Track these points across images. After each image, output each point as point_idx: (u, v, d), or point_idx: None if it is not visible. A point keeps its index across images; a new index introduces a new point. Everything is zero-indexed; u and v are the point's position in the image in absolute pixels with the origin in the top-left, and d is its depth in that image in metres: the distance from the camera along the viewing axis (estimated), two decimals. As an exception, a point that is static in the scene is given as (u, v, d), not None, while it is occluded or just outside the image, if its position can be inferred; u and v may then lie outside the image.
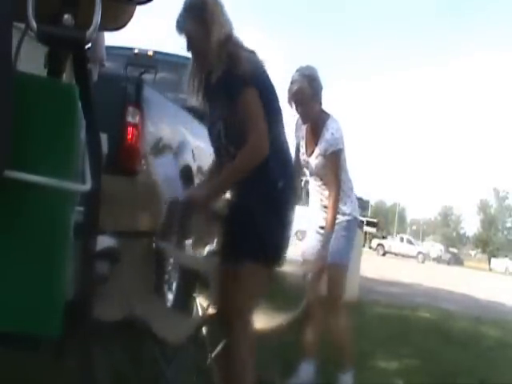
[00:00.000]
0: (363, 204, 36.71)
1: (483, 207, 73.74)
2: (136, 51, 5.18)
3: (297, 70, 2.96)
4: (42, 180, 0.94)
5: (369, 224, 38.29)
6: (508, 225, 71.55)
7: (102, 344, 2.01)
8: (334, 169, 2.94)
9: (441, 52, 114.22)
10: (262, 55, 2.16)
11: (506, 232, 69.39)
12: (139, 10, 1.26)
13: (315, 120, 3.02)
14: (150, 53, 5.14)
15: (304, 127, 3.08)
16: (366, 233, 36.58)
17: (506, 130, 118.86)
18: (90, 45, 1.31)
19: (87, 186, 1.05)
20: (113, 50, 4.19)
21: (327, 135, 2.95)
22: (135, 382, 2.50)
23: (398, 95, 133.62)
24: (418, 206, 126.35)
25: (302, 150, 3.07)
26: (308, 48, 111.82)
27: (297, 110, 2.98)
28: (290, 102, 2.95)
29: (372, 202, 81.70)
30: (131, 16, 1.30)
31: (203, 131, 4.95)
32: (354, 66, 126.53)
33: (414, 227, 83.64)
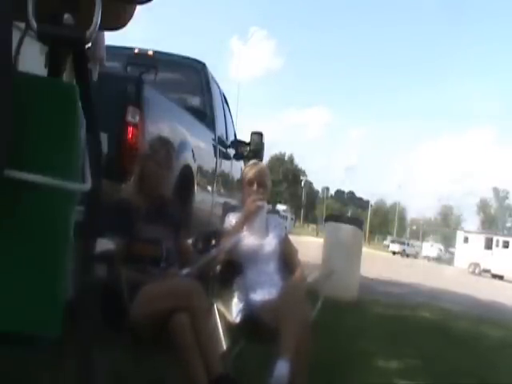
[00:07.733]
0: (363, 204, 35.30)
1: (483, 207, 73.75)
2: (136, 51, 5.17)
3: (253, 163, 3.00)
4: (43, 179, 0.94)
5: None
6: (508, 225, 71.60)
7: (102, 344, 2.00)
8: (293, 248, 3.00)
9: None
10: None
11: (506, 232, 69.34)
12: (139, 10, 1.26)
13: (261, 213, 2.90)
14: (150, 53, 5.14)
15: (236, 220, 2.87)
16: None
17: (507, 130, 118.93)
18: (90, 44, 1.31)
19: (87, 185, 1.05)
20: (113, 50, 4.18)
21: (274, 223, 2.96)
22: (135, 382, 2.50)
23: (396, 92, 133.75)
24: (418, 206, 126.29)
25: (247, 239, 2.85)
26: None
27: (258, 190, 2.85)
28: (252, 181, 2.86)
29: (372, 202, 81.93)
30: (131, 16, 1.30)
31: (203, 131, 5.00)
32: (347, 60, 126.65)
33: (414, 227, 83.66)
